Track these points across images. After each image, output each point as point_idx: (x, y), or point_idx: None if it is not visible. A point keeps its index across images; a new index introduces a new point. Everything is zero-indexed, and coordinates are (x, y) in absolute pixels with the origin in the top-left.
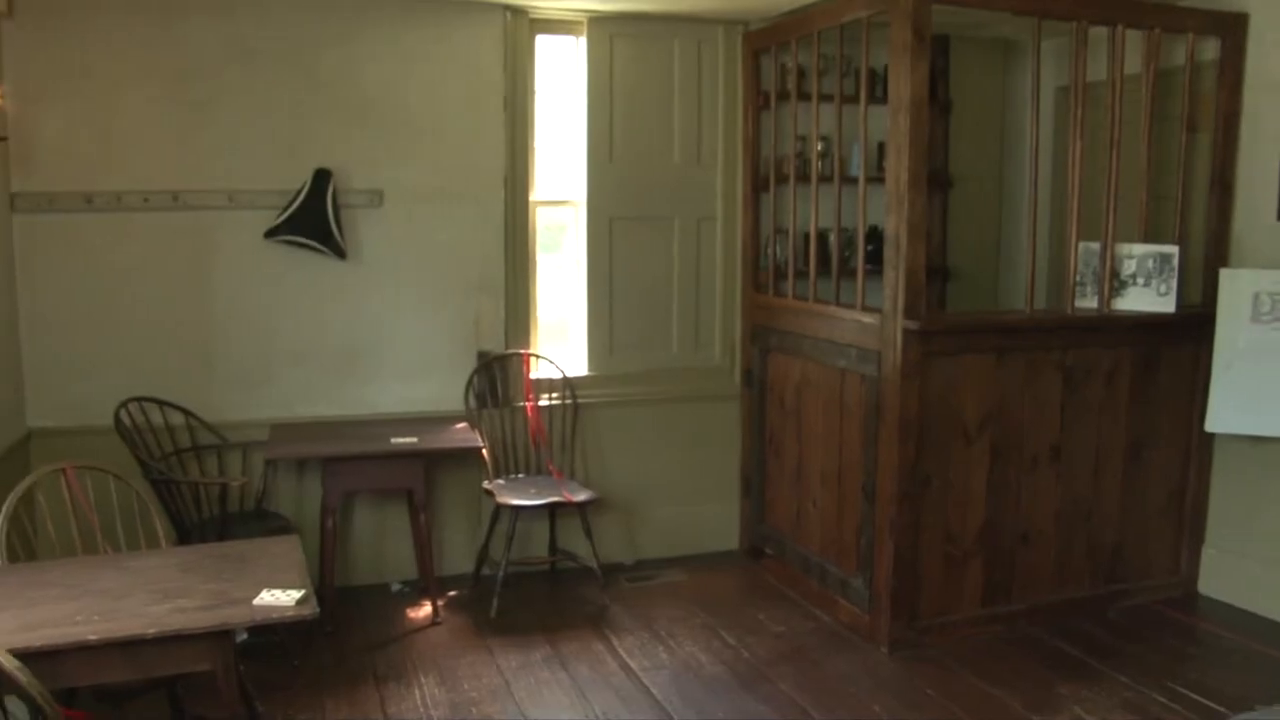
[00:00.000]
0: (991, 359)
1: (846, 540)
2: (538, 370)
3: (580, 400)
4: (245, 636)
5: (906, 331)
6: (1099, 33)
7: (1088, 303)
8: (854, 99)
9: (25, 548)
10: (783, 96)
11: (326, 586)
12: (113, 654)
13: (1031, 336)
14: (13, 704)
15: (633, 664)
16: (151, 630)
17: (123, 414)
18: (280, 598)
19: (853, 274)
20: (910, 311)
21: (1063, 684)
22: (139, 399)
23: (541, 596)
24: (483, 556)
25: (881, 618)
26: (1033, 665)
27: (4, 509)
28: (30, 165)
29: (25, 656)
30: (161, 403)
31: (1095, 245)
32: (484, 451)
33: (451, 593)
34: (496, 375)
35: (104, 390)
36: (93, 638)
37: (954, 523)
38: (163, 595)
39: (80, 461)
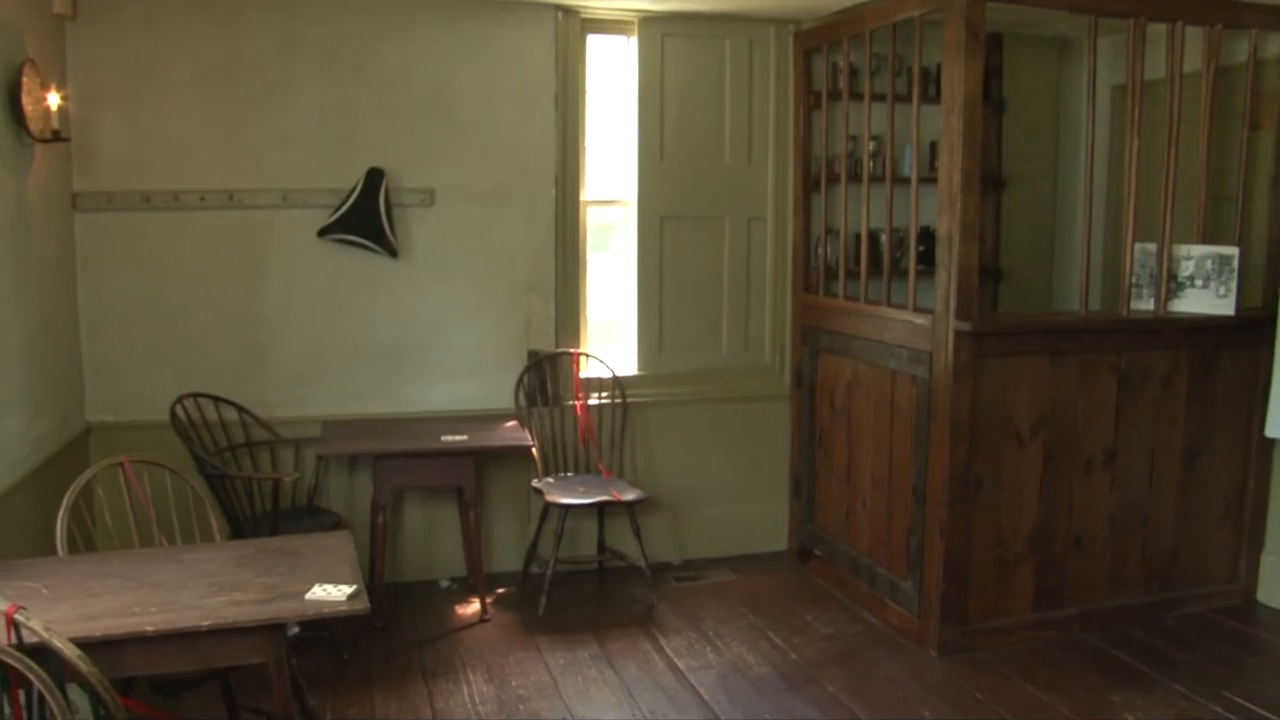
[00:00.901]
0: (1045, 361)
1: (896, 542)
2: (587, 369)
3: (629, 400)
4: (296, 630)
5: (959, 333)
6: (1157, 29)
7: (1144, 305)
8: (906, 98)
9: (85, 539)
10: (834, 96)
11: (376, 582)
12: (169, 645)
13: (1086, 339)
14: (73, 692)
15: (680, 664)
16: (206, 623)
17: (178, 409)
18: (332, 593)
19: (904, 275)
20: (962, 312)
21: (1116, 692)
22: (194, 395)
23: (589, 595)
24: (531, 554)
25: (931, 621)
26: (1085, 672)
27: (64, 501)
28: (91, 165)
29: (85, 646)
30: (216, 398)
31: (1152, 246)
32: (533, 450)
33: (500, 590)
34: (546, 374)
35: (160, 386)
36: (150, 629)
37: (1005, 526)
38: (217, 588)
39: (138, 455)
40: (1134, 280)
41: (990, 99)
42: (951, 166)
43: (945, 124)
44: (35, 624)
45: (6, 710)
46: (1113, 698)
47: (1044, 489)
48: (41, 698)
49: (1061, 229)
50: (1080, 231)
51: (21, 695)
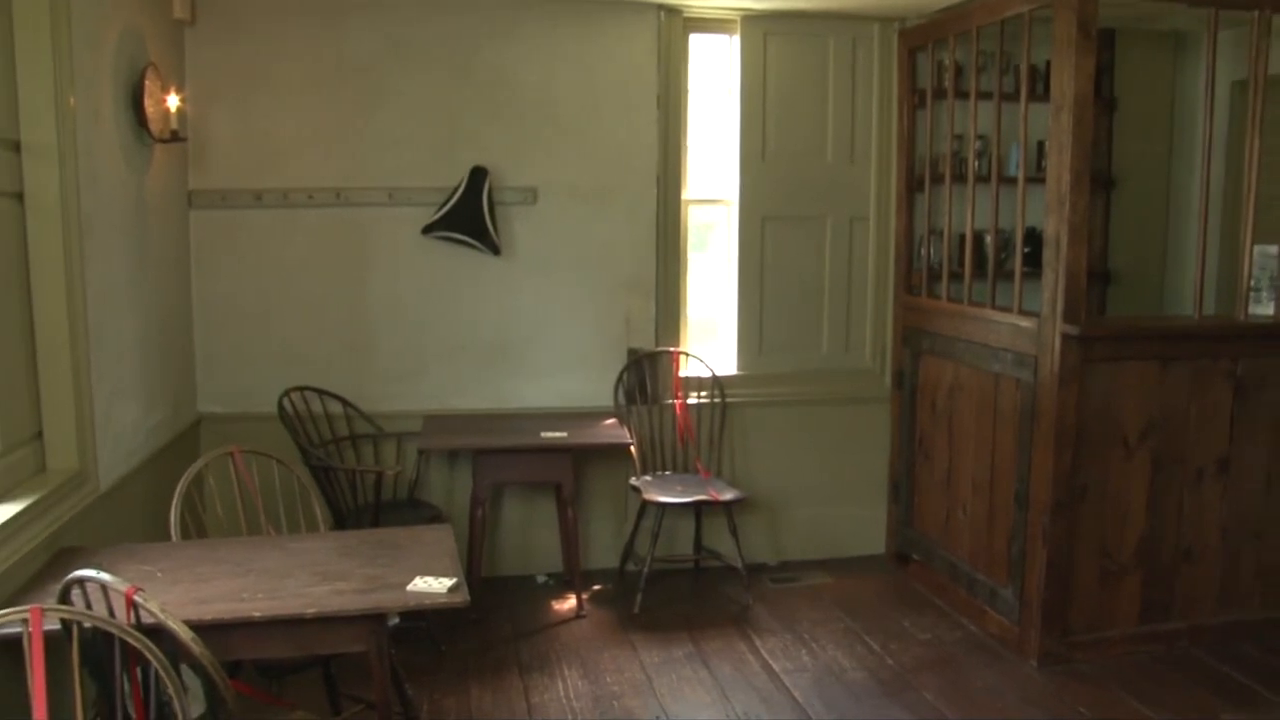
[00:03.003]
0: (1155, 366)
1: (997, 549)
2: (687, 368)
3: (729, 399)
4: (396, 621)
5: (1065, 336)
6: None
7: (1263, 309)
8: (1013, 97)
9: (196, 525)
10: (939, 94)
11: (473, 576)
12: (275, 631)
13: (1199, 344)
14: (185, 673)
15: (775, 665)
16: (311, 610)
17: (285, 402)
18: (433, 585)
19: (1008, 276)
20: (1069, 316)
21: (1227, 711)
22: (301, 388)
23: (685, 594)
24: (627, 552)
25: (1031, 630)
26: (1194, 689)
27: (178, 489)
28: (206, 164)
29: (197, 629)
30: (321, 392)
31: (1273, 249)
32: (632, 448)
33: (596, 587)
34: (646, 372)
35: (267, 379)
36: (257, 614)
37: (1110, 535)
38: (322, 577)
39: (247, 446)
40: (1252, 284)
41: (1101, 96)
42: (1060, 166)
43: (1054, 123)
44: (153, 605)
45: (126, 687)
46: (1223, 716)
47: (1151, 498)
48: (158, 676)
49: (1174, 230)
50: (1195, 233)
51: (139, 673)
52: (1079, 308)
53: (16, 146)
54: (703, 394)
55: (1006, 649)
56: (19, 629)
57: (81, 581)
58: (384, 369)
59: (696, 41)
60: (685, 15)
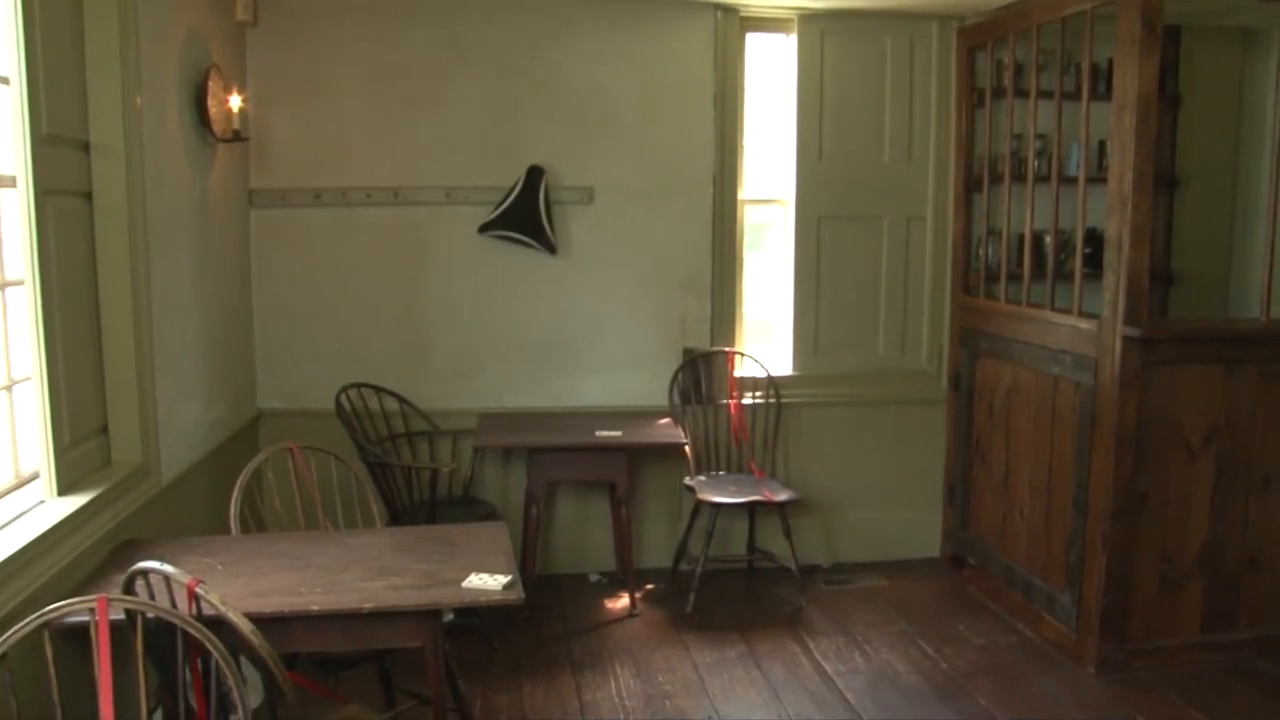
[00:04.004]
0: (1219, 370)
1: (1054, 553)
2: (742, 368)
3: (784, 400)
4: (451, 617)
5: (1126, 338)
6: None
7: None
8: (1074, 95)
9: (255, 519)
10: (998, 93)
11: (527, 573)
12: (332, 625)
13: (1267, 347)
14: (245, 665)
15: (828, 667)
16: (367, 605)
17: (343, 399)
18: (488, 582)
19: (1067, 278)
20: (1131, 317)
21: None
22: (358, 385)
23: (738, 594)
24: (681, 552)
25: (1089, 637)
26: (1259, 702)
27: (239, 483)
28: (266, 163)
29: (256, 621)
30: (378, 389)
31: None
32: (686, 448)
33: (648, 586)
34: (701, 372)
35: (325, 376)
36: (315, 608)
37: (1172, 541)
38: (378, 573)
39: (305, 442)
40: None
41: (1165, 94)
42: (1122, 166)
43: (1116, 122)
44: (214, 597)
45: (187, 677)
46: None
47: (1215, 505)
48: (218, 667)
49: (1240, 231)
50: (1262, 233)
51: (199, 664)
52: (1141, 309)
53: (85, 147)
54: (758, 394)
55: (1063, 655)
56: (86, 618)
57: (145, 573)
58: (440, 367)
59: (753, 41)
60: (742, 15)
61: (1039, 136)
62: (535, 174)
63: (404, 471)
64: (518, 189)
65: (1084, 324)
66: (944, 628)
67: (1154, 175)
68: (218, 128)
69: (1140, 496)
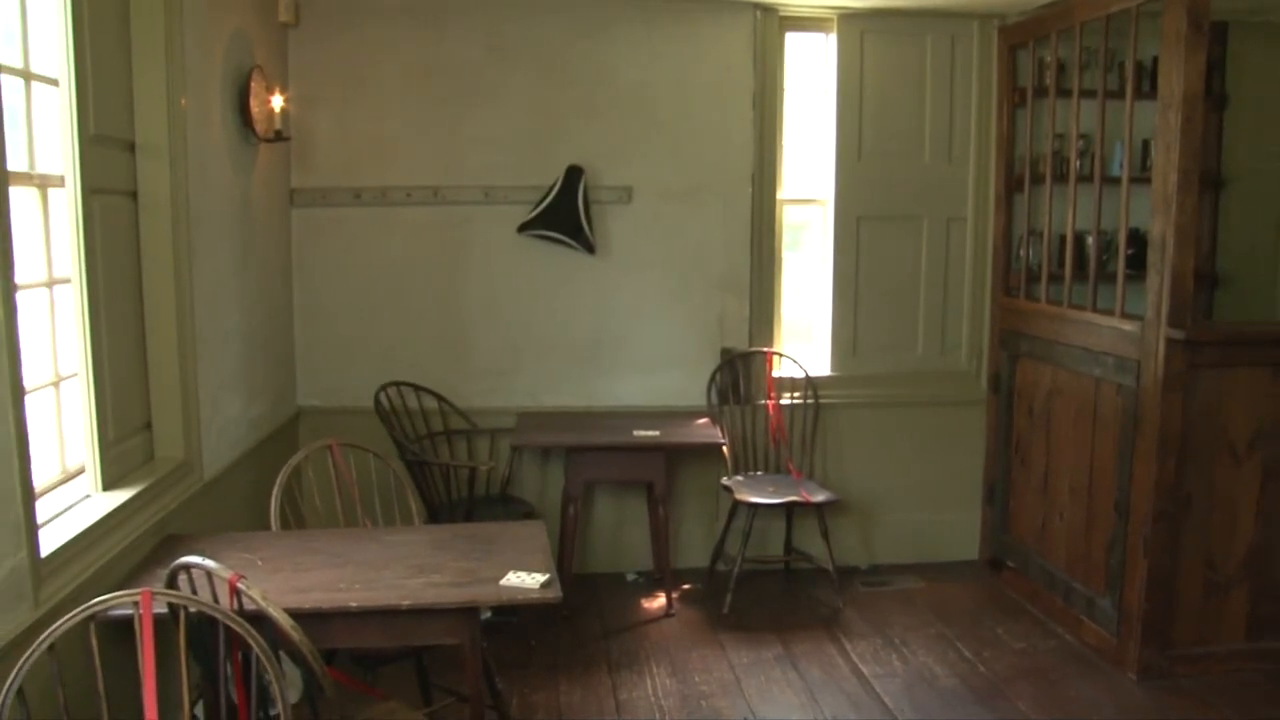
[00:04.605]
0: (1266, 373)
1: (1095, 557)
2: (780, 369)
3: (822, 400)
4: (488, 615)
5: (1170, 341)
6: None
7: None
8: (1118, 94)
9: (295, 516)
10: (1040, 92)
11: (564, 572)
12: (371, 621)
13: None
14: (284, 660)
15: (865, 669)
16: (406, 602)
17: (382, 397)
18: (526, 580)
19: (1110, 279)
20: (1175, 319)
21: None
22: (397, 383)
23: (775, 595)
24: (718, 552)
25: (1130, 642)
26: None
27: (279, 480)
28: (307, 163)
29: (296, 617)
30: (417, 387)
31: None
32: (724, 448)
33: (685, 586)
34: (739, 372)
35: (365, 374)
36: (354, 605)
37: (1216, 547)
38: (416, 570)
39: (345, 439)
40: None
41: (1211, 93)
42: (1167, 166)
43: (1161, 121)
44: (255, 593)
45: (228, 670)
46: None
47: (1261, 509)
48: (258, 661)
49: None
50: None
51: (240, 658)
52: (1185, 311)
53: (131, 147)
54: (796, 394)
55: (1104, 660)
56: (131, 611)
57: (188, 567)
58: (479, 366)
59: (792, 40)
60: (781, 14)
61: (1081, 136)
62: (574, 173)
63: (442, 470)
64: (556, 188)
65: (1127, 326)
66: (982, 631)
67: (1199, 175)
68: (260, 128)
69: (1184, 500)
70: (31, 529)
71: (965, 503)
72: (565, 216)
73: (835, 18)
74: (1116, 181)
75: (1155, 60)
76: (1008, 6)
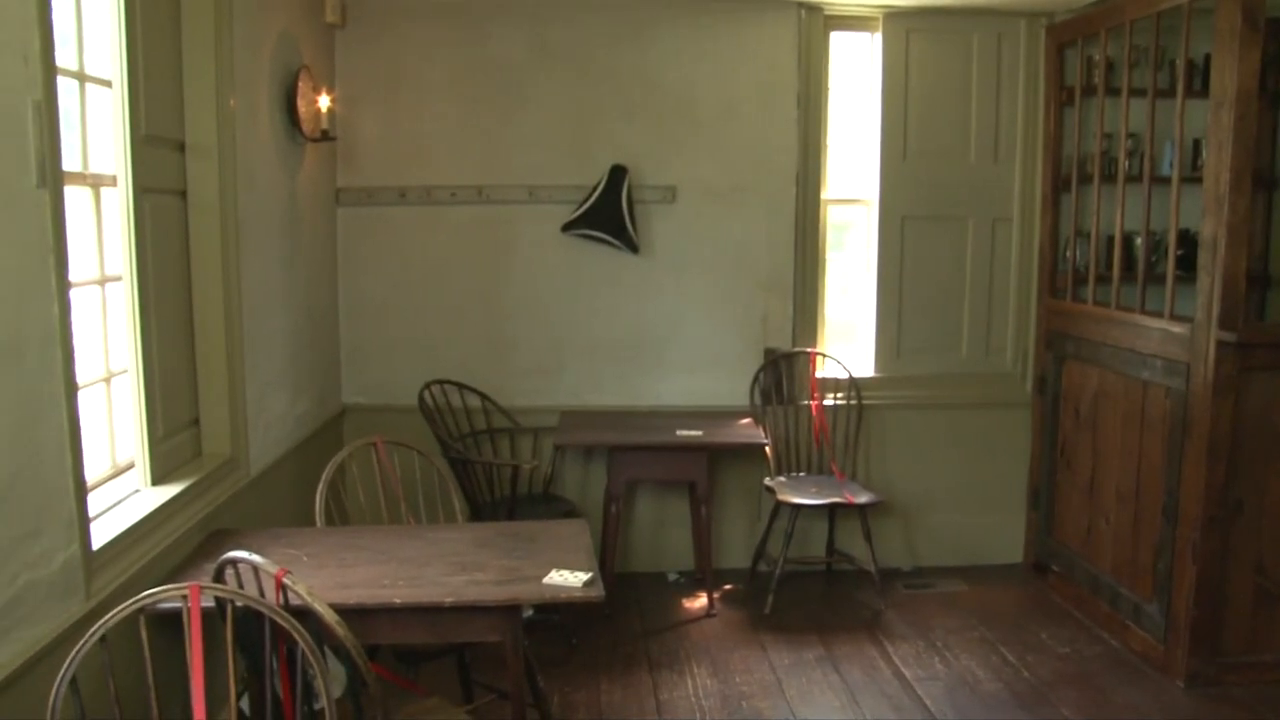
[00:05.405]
0: None
1: (1142, 562)
2: (824, 369)
3: (865, 401)
4: (530, 613)
5: (1221, 343)
6: None
7: None
8: (1168, 93)
9: (339, 512)
10: (1088, 91)
11: (606, 571)
12: (414, 618)
13: None
14: (328, 656)
15: (907, 672)
16: (449, 599)
17: (426, 395)
18: (569, 578)
19: (1158, 280)
20: (1226, 321)
21: None
22: (441, 382)
23: (816, 596)
24: (759, 552)
25: (1178, 649)
26: None
27: (324, 476)
28: (353, 162)
29: (341, 612)
30: (461, 386)
31: None
32: (767, 448)
33: (727, 586)
34: (782, 372)
35: (409, 372)
36: (398, 601)
37: (1269, 553)
38: (459, 567)
39: (389, 437)
40: None
41: (1265, 91)
42: (1219, 165)
43: (1213, 119)
44: (300, 588)
45: (274, 664)
46: None
47: None
48: (303, 656)
49: None
50: None
51: (285, 652)
52: (1237, 313)
53: (181, 147)
54: (839, 395)
55: (1150, 667)
56: (179, 604)
57: (235, 562)
58: (522, 364)
59: (837, 39)
60: (826, 13)
61: (1130, 135)
62: (618, 173)
63: (485, 468)
64: (601, 188)
65: (1176, 328)
66: (1026, 635)
67: (1252, 175)
68: (307, 127)
69: (1234, 506)
70: (84, 523)
71: (1009, 506)
72: (609, 216)
73: (881, 16)
74: (1166, 181)
75: (1207, 58)
76: (1055, 5)
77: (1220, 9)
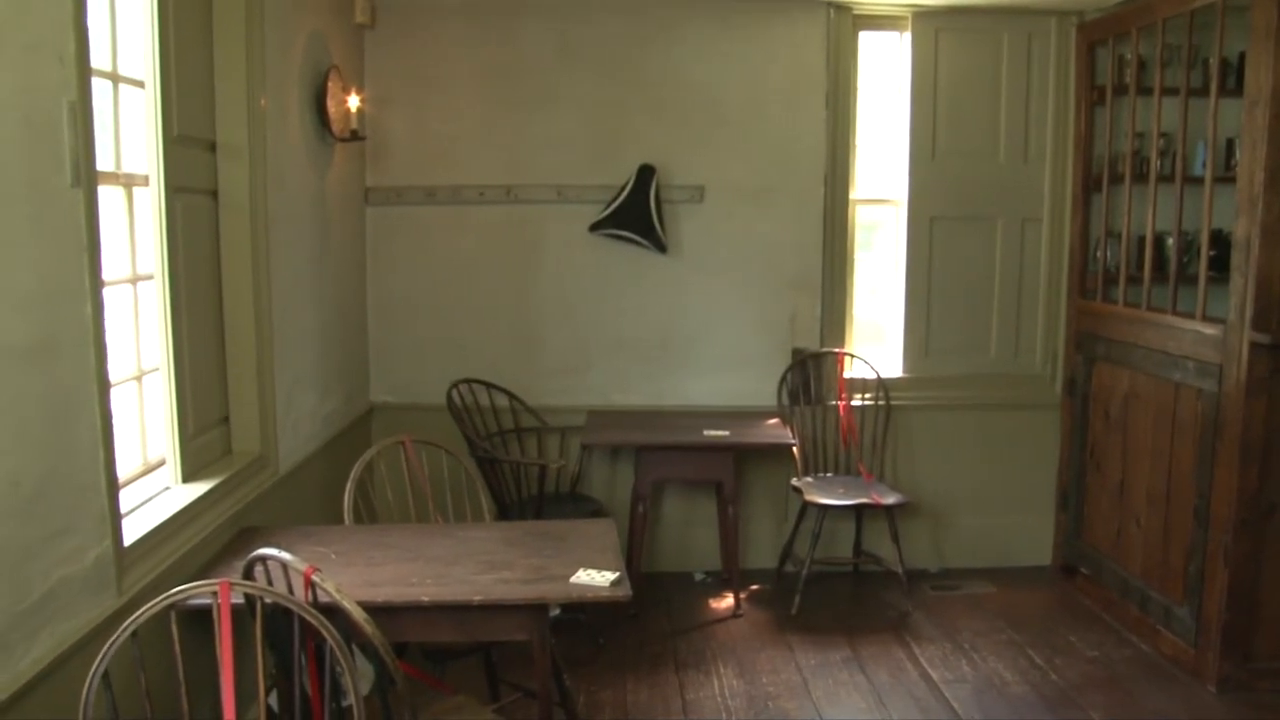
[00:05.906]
0: None
1: (1173, 565)
2: (851, 370)
3: (893, 402)
4: (557, 612)
5: (1254, 345)
6: None
7: None
8: (1201, 92)
9: (367, 510)
10: (1120, 90)
11: (633, 571)
12: (442, 616)
13: None
14: (356, 653)
15: (934, 674)
16: (477, 598)
17: (454, 394)
18: (596, 578)
19: (1190, 281)
20: (1260, 323)
21: None
22: (469, 381)
23: (843, 597)
24: (786, 553)
25: (1209, 653)
26: None
27: (352, 474)
28: (382, 162)
29: (369, 610)
30: (489, 385)
31: None
32: (795, 448)
33: (753, 586)
34: (810, 373)
35: (436, 371)
36: (426, 599)
37: None
38: (487, 566)
39: (417, 436)
40: None
41: None
42: (1253, 165)
43: (1247, 118)
44: (329, 586)
45: (302, 661)
46: None
47: None
48: (332, 653)
49: None
50: None
51: (314, 648)
52: (1271, 315)
53: (212, 147)
54: (867, 396)
55: (1181, 672)
56: (209, 600)
57: (264, 559)
58: (550, 364)
59: (866, 39)
60: (855, 12)
61: (1162, 134)
62: (646, 173)
63: (513, 467)
64: (629, 188)
65: (1208, 329)
66: (1054, 638)
67: None
68: (336, 127)
69: (1268, 509)
70: (116, 519)
71: (1038, 507)
72: (637, 215)
73: (910, 16)
74: (1198, 181)
75: (1241, 56)
76: (1086, 3)
77: (1256, 6)
